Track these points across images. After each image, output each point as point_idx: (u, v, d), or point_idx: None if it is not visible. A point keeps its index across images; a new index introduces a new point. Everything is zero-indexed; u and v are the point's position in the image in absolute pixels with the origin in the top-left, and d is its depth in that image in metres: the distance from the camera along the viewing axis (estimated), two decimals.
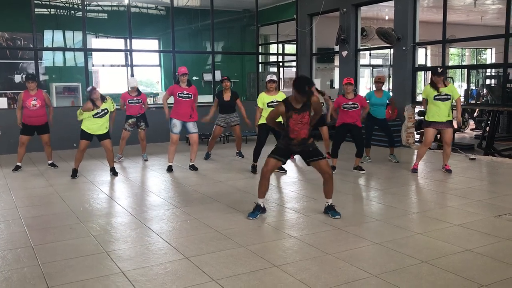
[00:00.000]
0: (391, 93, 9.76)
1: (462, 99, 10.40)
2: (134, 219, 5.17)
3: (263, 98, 7.46)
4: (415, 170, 7.42)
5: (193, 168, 7.89)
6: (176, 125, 7.66)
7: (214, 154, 9.12)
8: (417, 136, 11.31)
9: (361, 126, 7.57)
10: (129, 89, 8.68)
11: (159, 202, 5.89)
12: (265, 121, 7.36)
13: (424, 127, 7.48)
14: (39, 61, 10.96)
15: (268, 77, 7.56)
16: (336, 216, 5.04)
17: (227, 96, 8.78)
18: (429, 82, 7.44)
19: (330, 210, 5.13)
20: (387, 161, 8.42)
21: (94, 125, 7.25)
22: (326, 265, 3.81)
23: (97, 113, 7.20)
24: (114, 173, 7.51)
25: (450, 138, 7.40)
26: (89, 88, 7.49)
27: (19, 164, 7.96)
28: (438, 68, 7.32)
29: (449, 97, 7.14)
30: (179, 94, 7.60)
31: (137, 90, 8.69)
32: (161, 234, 4.64)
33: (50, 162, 8.22)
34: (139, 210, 5.55)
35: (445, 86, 7.22)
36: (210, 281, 3.52)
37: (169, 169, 7.76)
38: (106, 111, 7.27)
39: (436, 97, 7.15)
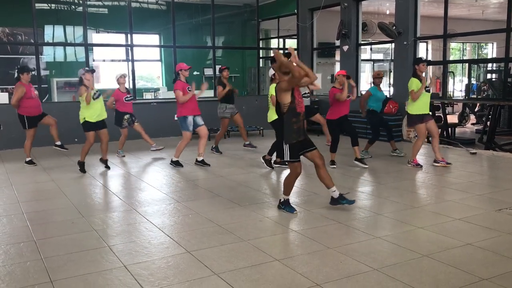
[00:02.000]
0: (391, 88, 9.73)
1: (463, 94, 10.40)
2: (136, 213, 5.19)
3: None
4: (418, 165, 7.40)
5: (203, 163, 7.78)
6: (192, 122, 7.59)
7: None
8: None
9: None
10: (120, 78, 8.58)
11: (161, 196, 5.91)
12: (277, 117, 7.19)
13: (416, 124, 7.36)
14: (39, 56, 10.94)
15: None
16: (352, 203, 5.14)
17: (229, 86, 8.81)
18: (415, 74, 7.30)
19: (343, 200, 5.13)
20: (387, 156, 8.40)
21: (95, 111, 7.11)
22: (327, 259, 3.82)
23: (95, 93, 7.07)
24: (106, 166, 7.55)
25: (437, 128, 7.63)
26: (83, 71, 7.13)
27: (30, 158, 8.04)
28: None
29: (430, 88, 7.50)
30: (189, 89, 7.58)
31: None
32: (163, 228, 4.66)
33: (58, 143, 8.19)
34: (141, 204, 5.56)
35: None
36: (212, 274, 3.54)
37: (179, 163, 7.70)
38: (99, 92, 7.18)
39: (426, 89, 7.31)
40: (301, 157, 5.03)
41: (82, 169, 7.30)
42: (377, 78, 8.39)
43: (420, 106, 7.26)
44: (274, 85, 7.31)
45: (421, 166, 7.37)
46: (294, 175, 5.06)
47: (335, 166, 7.43)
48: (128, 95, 8.69)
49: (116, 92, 8.57)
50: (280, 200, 5.25)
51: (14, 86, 8.02)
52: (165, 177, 7.08)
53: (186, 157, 8.32)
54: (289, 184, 5.12)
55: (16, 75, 7.91)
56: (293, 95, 4.83)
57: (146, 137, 8.83)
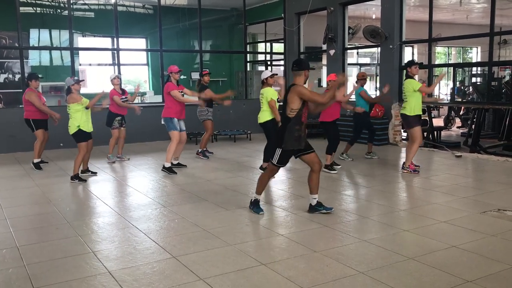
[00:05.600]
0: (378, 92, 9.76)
1: (449, 98, 10.50)
2: (121, 218, 5.14)
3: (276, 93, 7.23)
4: (415, 170, 7.15)
5: (180, 165, 7.87)
6: (177, 123, 7.58)
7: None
8: (404, 134, 11.38)
9: None
10: (114, 79, 8.45)
11: (147, 201, 5.86)
12: (271, 118, 7.06)
13: (414, 125, 7.11)
14: (25, 60, 10.84)
15: (270, 72, 7.45)
16: (331, 210, 5.11)
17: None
18: (409, 76, 7.20)
19: (320, 206, 5.12)
20: (372, 159, 8.43)
21: (87, 120, 6.95)
22: (313, 263, 3.82)
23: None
24: (92, 172, 7.45)
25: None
26: (72, 81, 6.95)
27: (38, 160, 7.94)
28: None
29: None
30: (181, 92, 7.61)
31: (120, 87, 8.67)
32: (149, 233, 4.62)
33: (39, 160, 8.17)
34: (126, 209, 5.52)
35: None
36: (198, 280, 3.51)
37: (172, 170, 7.48)
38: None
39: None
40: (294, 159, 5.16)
41: (81, 179, 6.99)
42: (362, 79, 8.31)
43: (417, 107, 7.09)
44: (269, 88, 7.20)
45: (418, 172, 7.13)
46: (270, 175, 5.27)
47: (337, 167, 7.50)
48: (124, 96, 8.59)
49: (112, 91, 8.44)
50: (251, 200, 5.30)
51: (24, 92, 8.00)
52: (151, 182, 7.03)
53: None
54: (263, 181, 5.22)
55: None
56: (304, 104, 4.84)
57: (121, 144, 8.71)
